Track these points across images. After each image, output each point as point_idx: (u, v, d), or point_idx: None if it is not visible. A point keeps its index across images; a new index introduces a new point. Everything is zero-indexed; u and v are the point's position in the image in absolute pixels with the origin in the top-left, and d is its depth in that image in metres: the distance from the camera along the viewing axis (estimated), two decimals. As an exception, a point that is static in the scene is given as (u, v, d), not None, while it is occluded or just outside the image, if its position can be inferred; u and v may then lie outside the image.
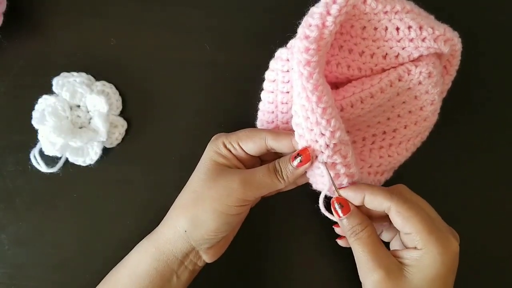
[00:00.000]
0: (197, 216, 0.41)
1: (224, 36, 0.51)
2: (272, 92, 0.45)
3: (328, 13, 0.39)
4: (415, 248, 0.39)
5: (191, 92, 0.51)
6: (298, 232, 0.50)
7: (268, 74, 0.45)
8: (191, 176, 0.43)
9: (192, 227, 0.41)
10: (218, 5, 0.52)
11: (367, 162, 0.47)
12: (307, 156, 0.40)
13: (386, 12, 0.41)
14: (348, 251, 0.49)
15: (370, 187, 0.41)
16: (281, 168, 0.41)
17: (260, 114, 0.48)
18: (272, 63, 0.45)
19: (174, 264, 0.42)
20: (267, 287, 0.50)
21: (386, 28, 0.42)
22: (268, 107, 0.46)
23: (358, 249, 0.40)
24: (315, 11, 0.39)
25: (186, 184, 0.43)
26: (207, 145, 0.44)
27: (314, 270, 0.50)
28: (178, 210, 0.42)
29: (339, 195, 0.41)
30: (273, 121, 0.47)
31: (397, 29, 0.41)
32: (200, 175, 0.42)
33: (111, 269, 0.47)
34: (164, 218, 0.43)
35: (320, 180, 0.42)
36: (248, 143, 0.42)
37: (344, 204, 0.40)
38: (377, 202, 0.39)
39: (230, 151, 0.42)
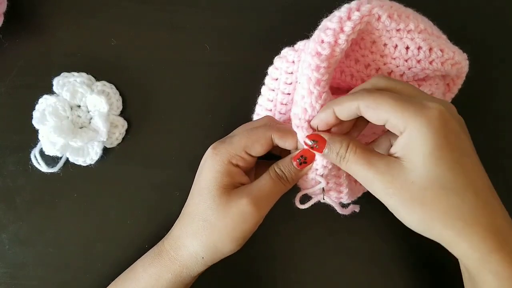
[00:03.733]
0: (215, 246, 0.40)
1: (224, 37, 0.51)
2: (273, 90, 0.45)
3: (342, 30, 0.38)
4: (400, 134, 0.35)
5: (191, 92, 0.51)
6: (297, 231, 0.50)
7: (271, 71, 0.45)
8: (194, 199, 0.41)
9: (210, 255, 0.41)
10: (218, 5, 0.52)
11: None
12: (311, 155, 0.40)
13: (398, 30, 0.40)
14: (347, 251, 0.50)
15: (335, 100, 0.38)
16: (283, 173, 0.41)
17: (258, 108, 0.47)
18: (277, 61, 0.44)
19: (188, 281, 0.42)
20: (265, 287, 0.50)
21: (396, 46, 0.41)
22: (267, 104, 0.46)
23: (353, 169, 0.37)
24: (328, 26, 0.38)
25: (190, 208, 0.41)
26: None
27: (314, 270, 0.50)
28: (192, 239, 0.40)
29: (311, 132, 0.39)
30: None
31: (407, 48, 0.41)
32: (207, 202, 0.40)
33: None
34: (173, 240, 0.42)
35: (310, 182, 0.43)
36: (256, 148, 0.40)
37: (318, 138, 0.38)
38: (346, 109, 0.37)
39: (238, 165, 0.41)
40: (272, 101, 0.46)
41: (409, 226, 0.36)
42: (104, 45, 0.51)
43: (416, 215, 0.35)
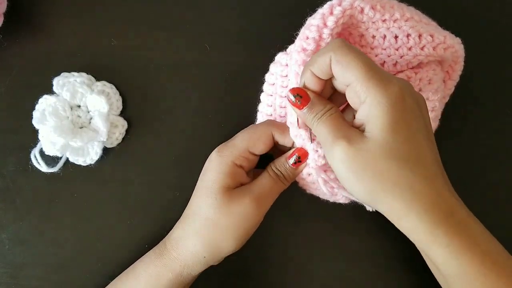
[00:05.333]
0: (216, 245, 0.41)
1: (224, 37, 0.51)
2: (271, 95, 0.46)
3: (325, 25, 0.39)
4: (360, 103, 0.35)
5: (191, 92, 0.51)
6: (296, 231, 0.50)
7: (268, 77, 0.46)
8: (196, 199, 0.42)
9: (212, 254, 0.41)
10: (218, 5, 0.52)
11: None
12: (304, 154, 0.40)
13: (384, 20, 0.41)
14: (347, 251, 0.50)
15: (308, 61, 0.38)
16: (280, 172, 0.41)
17: (259, 116, 0.48)
18: (272, 67, 0.45)
19: (189, 280, 0.43)
20: (266, 286, 0.50)
21: (384, 36, 0.41)
22: (266, 110, 0.47)
23: (321, 129, 0.37)
24: (312, 23, 0.40)
25: (193, 208, 0.42)
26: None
27: (313, 270, 0.50)
28: (194, 238, 0.41)
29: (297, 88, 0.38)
30: None
31: (396, 37, 0.41)
32: (209, 201, 0.41)
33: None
34: (174, 240, 0.42)
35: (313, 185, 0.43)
36: (258, 146, 0.41)
37: (303, 94, 0.37)
38: (321, 64, 0.36)
39: (241, 166, 0.41)
40: (271, 106, 0.46)
41: (357, 197, 0.37)
42: (104, 45, 0.51)
43: (367, 183, 0.35)
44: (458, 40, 0.43)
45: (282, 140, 0.42)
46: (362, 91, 0.35)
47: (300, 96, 0.37)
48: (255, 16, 0.52)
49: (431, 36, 0.41)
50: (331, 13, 0.39)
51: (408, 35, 0.41)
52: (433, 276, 0.41)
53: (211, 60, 0.51)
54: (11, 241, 0.49)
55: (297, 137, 0.40)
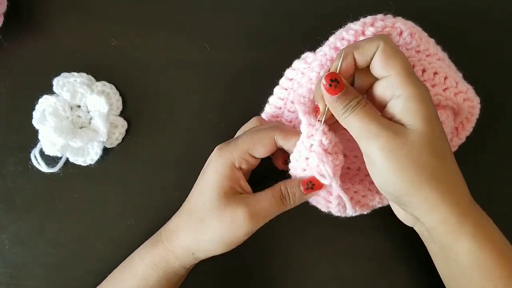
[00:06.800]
0: (204, 245, 0.41)
1: (224, 36, 0.51)
2: (286, 89, 0.46)
3: (363, 33, 0.40)
4: (393, 97, 0.36)
5: (191, 92, 0.51)
6: (298, 231, 0.50)
7: (288, 72, 0.46)
8: (194, 197, 0.42)
9: (200, 252, 0.42)
10: (218, 5, 0.52)
11: (354, 186, 0.46)
12: (319, 183, 0.40)
13: (418, 51, 0.41)
14: (349, 251, 0.50)
15: (353, 45, 0.38)
16: (288, 194, 0.41)
17: (267, 107, 0.48)
18: (296, 63, 0.45)
19: (182, 272, 0.44)
20: (265, 286, 0.50)
21: (413, 66, 0.42)
22: (277, 102, 0.47)
23: (357, 121, 0.36)
24: (351, 27, 0.41)
25: (190, 204, 0.42)
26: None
27: (314, 270, 0.50)
28: (186, 234, 0.42)
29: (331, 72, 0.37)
30: (278, 116, 0.47)
31: (423, 71, 0.42)
32: (206, 203, 0.41)
33: (111, 269, 0.47)
34: (170, 232, 0.43)
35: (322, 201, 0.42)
36: (259, 149, 0.41)
37: (340, 79, 0.36)
38: (367, 50, 0.36)
39: (241, 168, 0.41)
40: (283, 99, 0.47)
41: (390, 189, 0.37)
42: (104, 45, 0.51)
43: (406, 174, 0.35)
44: (478, 99, 0.44)
45: (284, 144, 0.41)
46: (400, 85, 0.36)
47: (337, 81, 0.36)
48: (255, 16, 0.52)
49: (456, 82, 0.42)
50: (372, 25, 0.40)
51: (435, 73, 0.41)
52: (433, 276, 0.41)
53: (211, 60, 0.51)
54: (11, 241, 0.49)
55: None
